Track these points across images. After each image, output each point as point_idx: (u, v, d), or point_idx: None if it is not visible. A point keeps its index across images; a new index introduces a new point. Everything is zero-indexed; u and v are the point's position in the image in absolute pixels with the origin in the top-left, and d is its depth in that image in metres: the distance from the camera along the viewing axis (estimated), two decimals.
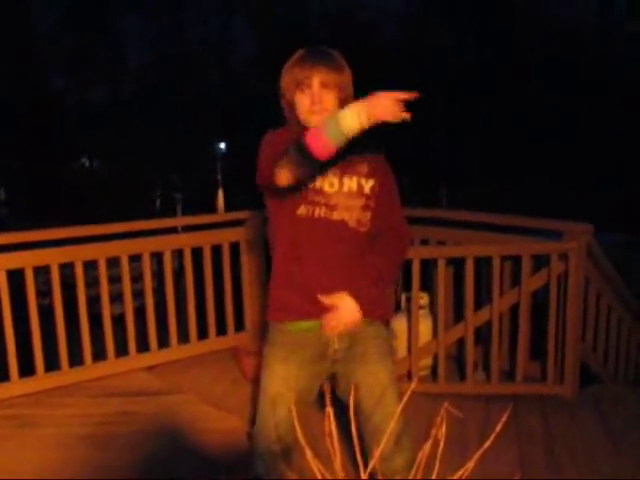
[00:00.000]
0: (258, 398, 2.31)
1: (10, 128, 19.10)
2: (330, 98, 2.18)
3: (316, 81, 2.16)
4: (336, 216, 2.18)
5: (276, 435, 2.20)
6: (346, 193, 2.20)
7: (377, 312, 2.29)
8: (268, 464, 2.28)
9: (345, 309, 2.17)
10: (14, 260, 4.07)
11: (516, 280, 4.03)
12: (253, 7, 26.94)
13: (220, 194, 10.82)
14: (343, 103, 2.11)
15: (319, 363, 2.26)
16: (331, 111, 2.12)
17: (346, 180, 2.20)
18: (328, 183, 2.17)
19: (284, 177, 2.01)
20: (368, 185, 2.24)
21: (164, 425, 3.70)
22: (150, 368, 4.56)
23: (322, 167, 2.07)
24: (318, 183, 2.16)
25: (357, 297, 2.18)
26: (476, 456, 1.22)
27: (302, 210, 2.16)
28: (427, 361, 4.20)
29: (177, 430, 3.61)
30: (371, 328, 2.28)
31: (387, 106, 1.87)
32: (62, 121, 21.69)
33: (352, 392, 2.05)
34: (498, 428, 1.18)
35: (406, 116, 1.88)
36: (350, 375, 2.25)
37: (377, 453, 1.27)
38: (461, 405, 1.63)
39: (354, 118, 1.88)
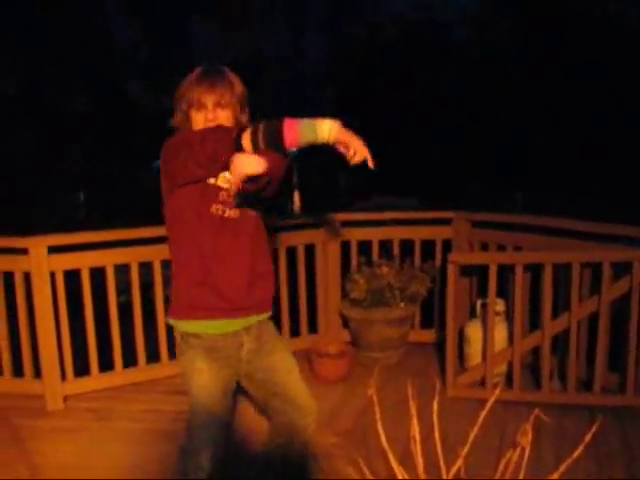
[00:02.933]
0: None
1: (88, 135, 19.66)
2: (224, 115, 2.34)
3: (210, 102, 2.33)
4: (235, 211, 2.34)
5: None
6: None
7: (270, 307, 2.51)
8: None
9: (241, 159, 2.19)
10: (96, 259, 4.19)
11: (594, 288, 3.93)
12: (323, 17, 27.08)
13: (296, 196, 10.82)
14: (237, 118, 2.38)
15: (235, 367, 2.43)
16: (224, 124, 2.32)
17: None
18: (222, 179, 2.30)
19: (246, 146, 2.03)
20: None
21: (236, 423, 3.74)
22: None
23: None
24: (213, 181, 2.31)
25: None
26: (562, 468, 1.20)
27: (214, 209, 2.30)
28: (501, 368, 4.13)
29: (247, 429, 3.64)
30: (269, 324, 2.53)
31: (358, 143, 1.99)
32: (138, 126, 22.19)
33: (272, 376, 2.47)
34: (587, 438, 1.16)
35: (370, 164, 2.03)
36: (266, 366, 2.48)
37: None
38: (536, 418, 1.63)
39: (329, 130, 1.95)
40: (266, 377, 2.48)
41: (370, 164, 2.01)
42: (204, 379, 2.33)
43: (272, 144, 1.98)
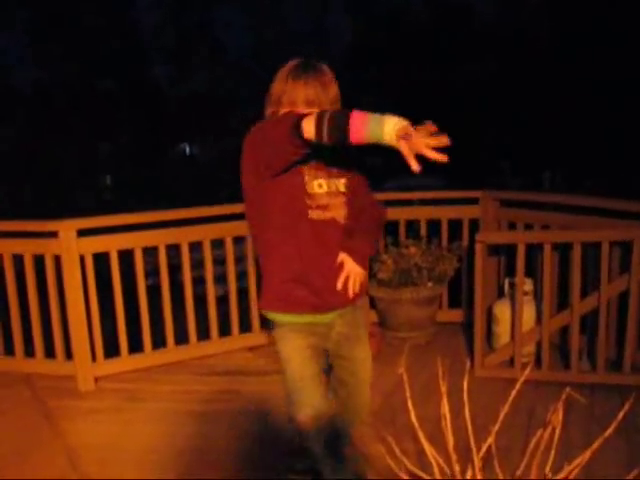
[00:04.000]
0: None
1: (116, 119, 19.80)
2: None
3: (301, 99, 2.23)
4: (327, 215, 2.32)
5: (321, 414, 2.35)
6: (333, 193, 2.33)
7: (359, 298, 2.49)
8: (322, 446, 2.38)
9: (350, 264, 2.36)
10: (125, 241, 4.22)
11: (624, 266, 3.88)
12: None
13: None
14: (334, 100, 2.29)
15: (324, 343, 2.44)
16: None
17: (332, 182, 2.33)
18: (317, 185, 2.29)
19: (309, 131, 1.92)
20: (341, 183, 2.37)
21: (265, 404, 3.77)
22: (252, 349, 4.65)
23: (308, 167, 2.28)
24: (309, 187, 2.28)
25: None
26: (595, 445, 1.19)
27: (313, 214, 2.28)
28: (530, 348, 4.11)
29: (276, 410, 3.66)
30: (360, 310, 2.55)
31: (419, 143, 1.74)
32: (164, 110, 22.34)
33: (348, 366, 2.49)
34: (620, 415, 1.15)
35: (442, 158, 1.75)
36: (349, 354, 2.49)
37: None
38: (568, 396, 1.63)
39: (394, 130, 1.77)
40: (345, 365, 2.51)
41: (441, 158, 1.75)
42: (295, 344, 2.36)
43: (336, 136, 1.85)
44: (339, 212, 2.33)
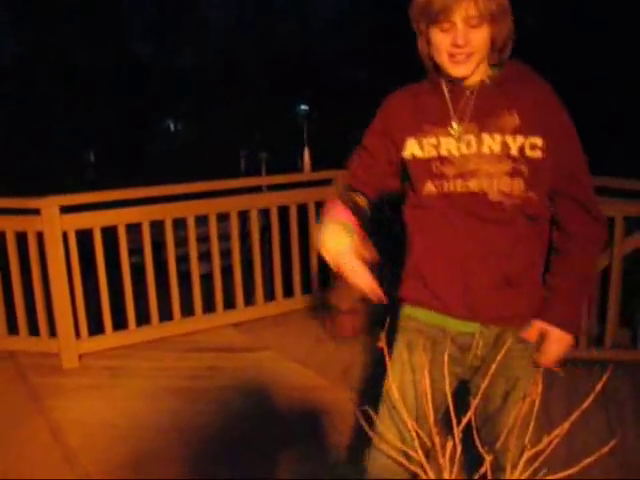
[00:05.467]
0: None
1: (98, 95, 19.63)
2: (480, 37, 1.61)
3: (459, 16, 1.58)
4: (473, 186, 1.67)
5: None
6: (487, 155, 1.66)
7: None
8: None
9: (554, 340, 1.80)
10: (108, 218, 4.20)
11: (607, 242, 3.91)
12: None
13: (306, 153, 10.82)
14: (499, 41, 1.65)
15: (454, 366, 1.79)
16: (481, 55, 1.64)
17: (486, 138, 1.67)
18: (465, 143, 1.68)
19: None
20: (516, 144, 1.65)
21: (249, 381, 3.79)
22: (236, 325, 4.66)
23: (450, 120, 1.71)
24: (445, 146, 1.71)
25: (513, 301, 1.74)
26: (573, 417, 1.21)
27: (429, 188, 1.73)
28: None
29: (261, 386, 3.69)
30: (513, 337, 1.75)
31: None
32: (148, 86, 22.17)
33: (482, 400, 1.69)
34: (598, 387, 1.16)
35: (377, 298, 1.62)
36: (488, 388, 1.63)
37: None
38: (547, 369, 1.63)
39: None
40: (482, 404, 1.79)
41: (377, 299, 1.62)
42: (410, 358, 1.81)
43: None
44: (492, 183, 1.66)
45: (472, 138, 1.67)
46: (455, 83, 1.71)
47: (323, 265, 4.95)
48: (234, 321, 4.68)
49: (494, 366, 1.41)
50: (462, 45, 1.60)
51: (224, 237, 4.71)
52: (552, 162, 1.67)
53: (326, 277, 4.94)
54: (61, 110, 20.16)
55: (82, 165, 21.73)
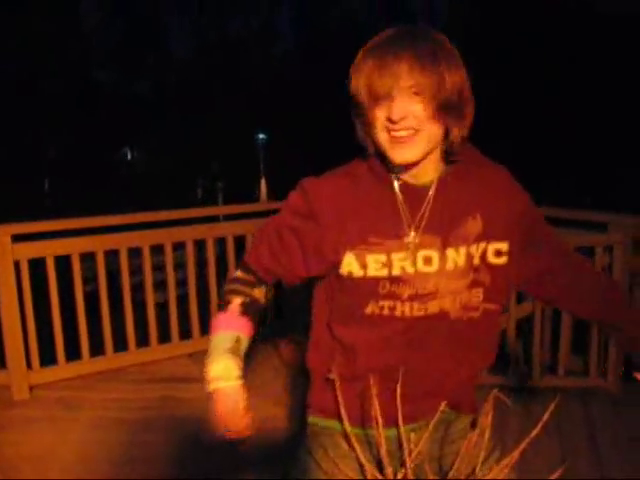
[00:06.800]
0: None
1: (54, 122, 19.45)
2: (424, 113, 1.30)
3: (401, 87, 1.29)
4: (433, 308, 1.42)
5: None
6: (450, 272, 1.42)
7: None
8: None
9: None
10: (62, 247, 4.15)
11: None
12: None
13: (263, 183, 10.87)
14: (448, 125, 1.35)
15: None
16: (429, 139, 1.33)
17: (450, 252, 1.41)
18: (423, 259, 1.41)
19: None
20: (478, 252, 1.43)
21: (204, 411, 3.71)
22: (192, 355, 4.62)
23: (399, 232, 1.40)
24: (398, 264, 1.40)
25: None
26: (522, 444, 1.23)
27: (371, 309, 1.43)
28: None
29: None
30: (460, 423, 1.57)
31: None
32: (104, 113, 22.04)
33: None
34: (546, 416, 1.18)
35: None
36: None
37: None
38: (497, 399, 1.65)
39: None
40: None
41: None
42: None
43: None
44: (454, 300, 1.43)
45: (433, 254, 1.40)
46: (408, 181, 1.41)
47: (278, 296, 4.95)
48: (190, 351, 4.63)
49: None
50: (397, 120, 1.29)
51: (180, 266, 4.69)
52: (520, 259, 1.48)
53: (281, 307, 4.95)
54: (15, 137, 19.92)
55: (37, 193, 21.45)
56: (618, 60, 18.40)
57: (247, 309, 1.55)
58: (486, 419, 1.33)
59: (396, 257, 1.38)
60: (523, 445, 1.21)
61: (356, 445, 1.38)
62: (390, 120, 1.28)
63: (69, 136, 20.99)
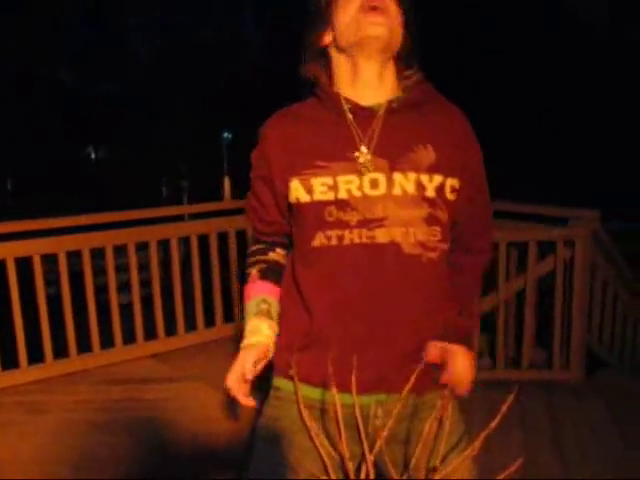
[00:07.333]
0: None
1: (17, 121, 19.19)
2: (392, 2, 1.39)
3: None
4: (382, 237, 1.37)
5: None
6: (399, 197, 1.38)
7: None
8: None
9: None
10: (22, 248, 4.09)
11: (522, 267, 4.02)
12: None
13: (227, 182, 10.81)
14: (408, 39, 1.44)
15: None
16: (395, 17, 1.39)
17: (398, 177, 1.38)
18: (369, 182, 1.38)
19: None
20: (433, 184, 1.40)
21: (169, 412, 3.72)
22: (157, 355, 4.58)
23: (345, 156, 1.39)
24: (344, 186, 1.38)
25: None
26: (482, 437, 1.23)
27: (318, 240, 1.40)
28: None
29: (182, 416, 3.63)
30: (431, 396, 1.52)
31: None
32: (69, 112, 21.79)
33: None
34: (505, 408, 1.19)
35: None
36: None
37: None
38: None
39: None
40: None
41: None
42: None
43: None
44: (408, 233, 1.38)
45: (380, 177, 1.37)
46: (358, 103, 1.42)
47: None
48: (155, 352, 4.60)
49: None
50: (377, 2, 1.36)
51: (144, 267, 4.65)
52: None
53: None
54: None
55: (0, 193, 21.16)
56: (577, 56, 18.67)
57: (266, 274, 1.56)
58: (445, 411, 1.34)
59: (342, 179, 1.37)
60: (483, 437, 1.22)
61: (312, 422, 1.35)
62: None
63: (33, 135, 20.71)
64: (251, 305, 1.54)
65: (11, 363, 4.16)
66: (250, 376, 1.45)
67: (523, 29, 19.26)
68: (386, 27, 1.36)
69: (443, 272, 1.45)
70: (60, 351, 4.32)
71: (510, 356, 4.21)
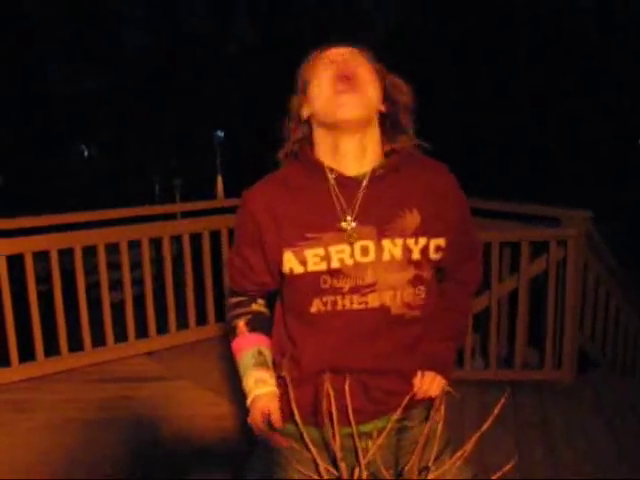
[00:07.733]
0: None
1: (5, 118, 19.09)
2: (364, 70, 1.43)
3: (338, 55, 1.44)
4: (373, 302, 1.44)
5: None
6: (387, 263, 1.43)
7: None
8: None
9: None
10: (14, 246, 4.07)
11: (515, 267, 4.03)
12: None
13: (219, 180, 10.79)
14: (380, 76, 1.46)
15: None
16: (368, 89, 1.43)
17: (386, 243, 1.43)
18: (360, 250, 1.43)
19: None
20: (418, 247, 1.45)
21: (161, 410, 3.71)
22: (149, 354, 4.57)
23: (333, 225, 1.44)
24: (336, 256, 1.43)
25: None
26: (474, 438, 1.23)
27: (316, 307, 1.46)
28: None
29: (174, 415, 3.62)
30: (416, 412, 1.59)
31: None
32: (58, 110, 21.70)
33: None
34: (497, 410, 1.19)
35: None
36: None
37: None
38: (458, 391, 1.63)
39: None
40: None
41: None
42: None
43: None
44: (395, 295, 1.45)
45: (370, 244, 1.42)
46: (342, 173, 1.46)
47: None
48: (146, 350, 4.59)
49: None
50: (348, 74, 1.40)
51: (136, 265, 4.64)
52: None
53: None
54: None
55: None
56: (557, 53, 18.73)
57: (253, 325, 1.61)
58: (438, 413, 1.33)
59: (334, 249, 1.41)
60: (475, 437, 1.21)
61: (311, 446, 1.32)
62: (338, 75, 1.39)
63: (23, 132, 20.61)
64: (247, 357, 1.57)
65: (2, 361, 4.14)
66: (278, 425, 1.50)
67: (522, 29, 19.30)
68: (359, 105, 1.39)
69: (426, 322, 1.52)
70: (52, 349, 4.30)
71: (503, 356, 4.21)
